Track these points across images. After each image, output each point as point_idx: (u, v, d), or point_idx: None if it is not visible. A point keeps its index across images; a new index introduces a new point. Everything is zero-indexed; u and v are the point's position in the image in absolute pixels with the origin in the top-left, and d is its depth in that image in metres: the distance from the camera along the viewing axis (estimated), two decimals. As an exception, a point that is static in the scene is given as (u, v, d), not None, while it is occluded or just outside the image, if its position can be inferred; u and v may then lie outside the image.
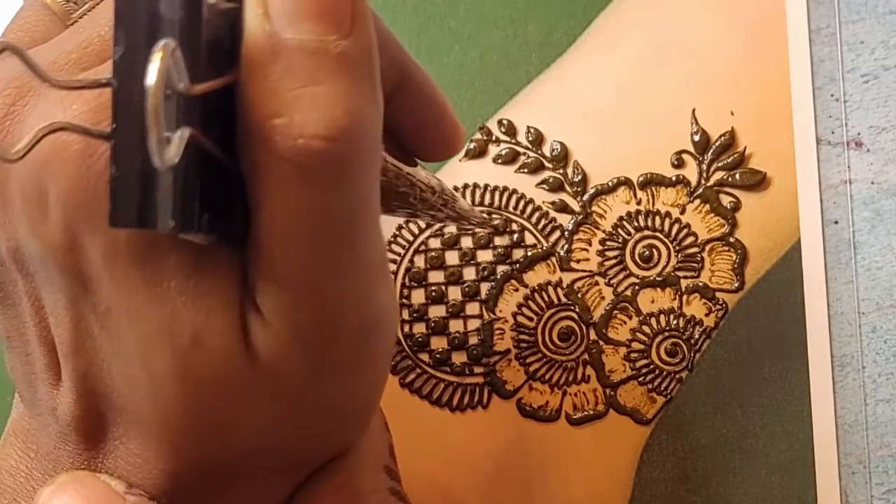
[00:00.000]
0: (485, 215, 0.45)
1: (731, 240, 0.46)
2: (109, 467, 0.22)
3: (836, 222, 0.46)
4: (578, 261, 0.47)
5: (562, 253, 0.47)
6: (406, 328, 0.47)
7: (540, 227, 0.47)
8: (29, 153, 0.18)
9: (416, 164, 0.29)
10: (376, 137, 0.20)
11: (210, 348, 0.20)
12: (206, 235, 0.19)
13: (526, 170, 0.47)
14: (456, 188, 0.47)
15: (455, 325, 0.47)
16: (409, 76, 0.26)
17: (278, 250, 0.19)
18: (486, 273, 0.47)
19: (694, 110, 0.46)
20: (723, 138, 0.46)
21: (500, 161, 0.47)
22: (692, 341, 0.45)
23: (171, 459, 0.21)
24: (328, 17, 0.19)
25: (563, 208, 0.47)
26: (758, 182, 0.46)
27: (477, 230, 0.46)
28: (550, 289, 0.46)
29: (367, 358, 0.23)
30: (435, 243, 0.47)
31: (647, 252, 0.46)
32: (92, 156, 0.19)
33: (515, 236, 0.47)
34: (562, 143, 0.47)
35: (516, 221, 0.47)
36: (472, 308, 0.47)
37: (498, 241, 0.47)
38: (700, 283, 0.46)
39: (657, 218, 0.46)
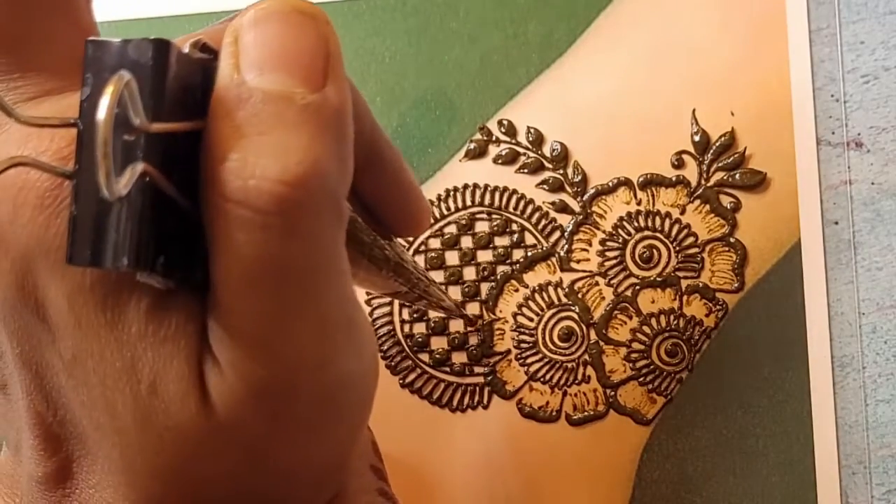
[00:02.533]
0: (461, 310, 0.45)
1: (732, 240, 0.46)
2: None
3: (837, 223, 0.46)
4: (578, 261, 0.47)
5: (562, 253, 0.47)
6: (406, 328, 0.47)
7: (540, 227, 0.47)
8: None
9: (392, 239, 0.30)
10: (337, 193, 0.19)
11: (167, 396, 0.20)
12: (163, 279, 0.19)
13: (526, 170, 0.47)
14: (456, 188, 0.47)
15: (455, 326, 0.47)
16: (379, 153, 0.26)
17: (231, 299, 0.19)
18: (486, 273, 0.47)
19: (694, 111, 0.46)
20: (723, 139, 0.46)
21: (500, 161, 0.47)
22: (692, 342, 0.45)
23: None
24: (298, 70, 0.19)
25: (564, 208, 0.47)
26: (758, 182, 0.46)
27: (451, 316, 0.46)
28: (551, 289, 0.46)
29: (334, 419, 0.22)
30: (435, 243, 0.47)
31: (647, 252, 0.46)
32: (57, 196, 0.19)
33: (515, 236, 0.47)
34: (562, 144, 0.47)
35: (516, 222, 0.47)
36: (473, 308, 0.47)
37: (498, 241, 0.47)
38: (700, 284, 0.46)
39: (657, 218, 0.46)
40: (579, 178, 0.47)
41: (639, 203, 0.46)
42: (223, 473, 0.21)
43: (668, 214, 0.46)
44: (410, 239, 0.47)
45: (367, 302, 0.47)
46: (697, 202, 0.46)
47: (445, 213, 0.47)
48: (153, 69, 0.18)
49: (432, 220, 0.47)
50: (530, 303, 0.46)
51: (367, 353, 0.23)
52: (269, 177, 0.18)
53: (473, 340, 0.47)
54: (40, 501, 0.22)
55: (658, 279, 0.46)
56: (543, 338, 0.46)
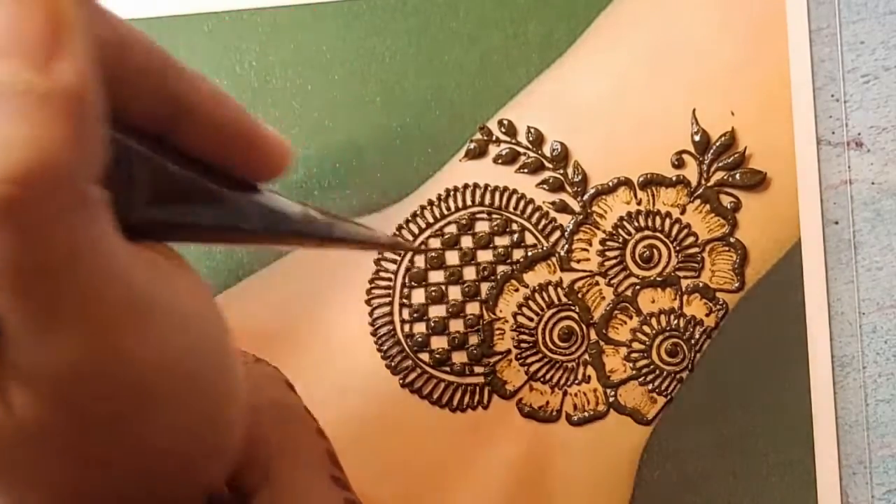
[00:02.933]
0: (393, 239, 0.41)
1: (732, 240, 0.46)
2: None
3: (837, 222, 0.46)
4: (579, 261, 0.47)
5: (562, 253, 0.47)
6: (406, 328, 0.47)
7: (540, 227, 0.47)
8: None
9: (257, 189, 0.27)
10: (76, 179, 0.18)
11: None
12: None
13: (526, 170, 0.47)
14: (456, 188, 0.47)
15: (455, 325, 0.47)
16: (188, 103, 0.24)
17: None
18: (486, 273, 0.47)
19: (694, 110, 0.46)
20: (723, 138, 0.46)
21: (500, 161, 0.47)
22: (693, 341, 0.45)
23: None
24: (17, 52, 0.17)
25: (564, 208, 0.47)
26: (758, 182, 0.46)
27: (380, 249, 0.43)
28: (551, 289, 0.46)
29: (156, 409, 0.21)
30: (435, 243, 0.47)
31: (647, 252, 0.46)
32: None
33: (515, 236, 0.47)
34: (562, 144, 0.47)
35: (516, 221, 0.47)
36: (473, 308, 0.47)
37: (498, 241, 0.47)
38: (700, 284, 0.46)
39: (657, 218, 0.46)
40: (579, 177, 0.47)
41: (639, 203, 0.46)
42: (47, 469, 0.21)
43: (668, 214, 0.46)
44: (411, 239, 0.47)
45: (367, 302, 0.47)
46: (698, 202, 0.46)
47: (445, 212, 0.47)
48: None
49: (432, 220, 0.47)
50: (530, 302, 0.46)
51: (188, 333, 0.21)
52: None
53: (474, 340, 0.47)
54: None
55: (658, 279, 0.46)
56: (543, 337, 0.46)
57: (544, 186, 0.47)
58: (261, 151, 0.25)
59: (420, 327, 0.47)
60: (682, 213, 0.46)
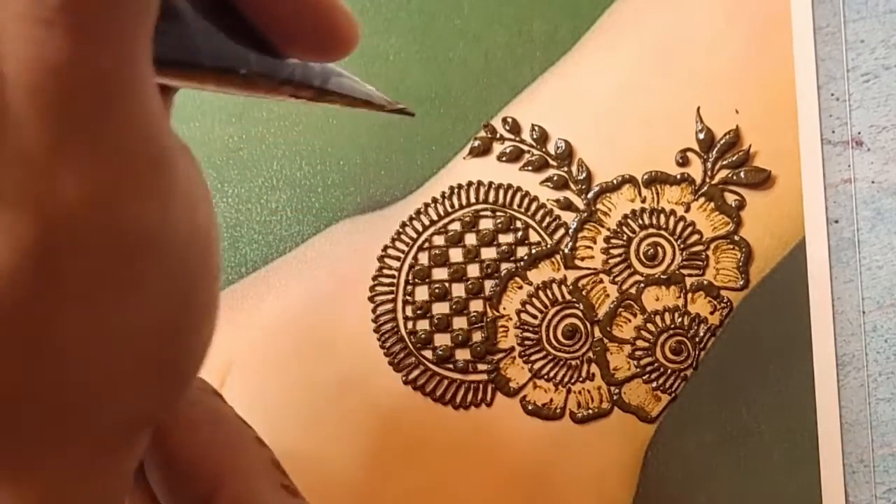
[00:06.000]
0: (389, 102, 0.40)
1: (736, 238, 0.46)
2: None
3: (837, 221, 0.46)
4: (583, 258, 0.46)
5: (566, 250, 0.47)
6: (409, 325, 0.47)
7: (544, 224, 0.47)
8: None
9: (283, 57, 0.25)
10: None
11: None
12: None
13: (530, 167, 0.47)
14: (460, 186, 0.47)
15: (459, 323, 0.46)
16: None
17: (7, 113, 0.16)
18: (489, 270, 0.47)
19: (699, 108, 0.46)
20: (727, 136, 0.46)
21: (504, 159, 0.47)
22: (697, 339, 0.46)
23: None
24: None
25: (568, 206, 0.47)
26: (762, 180, 0.46)
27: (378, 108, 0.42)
28: (555, 286, 0.46)
29: (134, 288, 0.18)
30: (439, 240, 0.47)
31: (651, 250, 0.46)
32: None
33: (520, 234, 0.47)
34: (566, 141, 0.47)
35: (521, 219, 0.47)
36: (476, 305, 0.47)
37: (502, 238, 0.47)
38: (705, 281, 0.46)
39: (662, 216, 0.46)
40: (584, 175, 0.47)
41: (643, 200, 0.46)
42: (11, 353, 0.17)
43: (672, 212, 0.46)
44: (415, 236, 0.47)
45: (371, 299, 0.47)
46: (702, 200, 0.46)
47: (449, 210, 0.47)
48: None
49: (436, 217, 0.47)
50: (534, 300, 0.46)
51: (184, 211, 0.18)
52: None
53: (477, 337, 0.46)
54: None
55: (662, 277, 0.46)
56: (547, 335, 0.46)
57: (548, 184, 0.47)
58: (335, 21, 0.23)
59: (423, 324, 0.47)
60: (687, 210, 0.46)
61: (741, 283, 0.46)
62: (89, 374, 0.18)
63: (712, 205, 0.46)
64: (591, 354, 0.46)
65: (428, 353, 0.47)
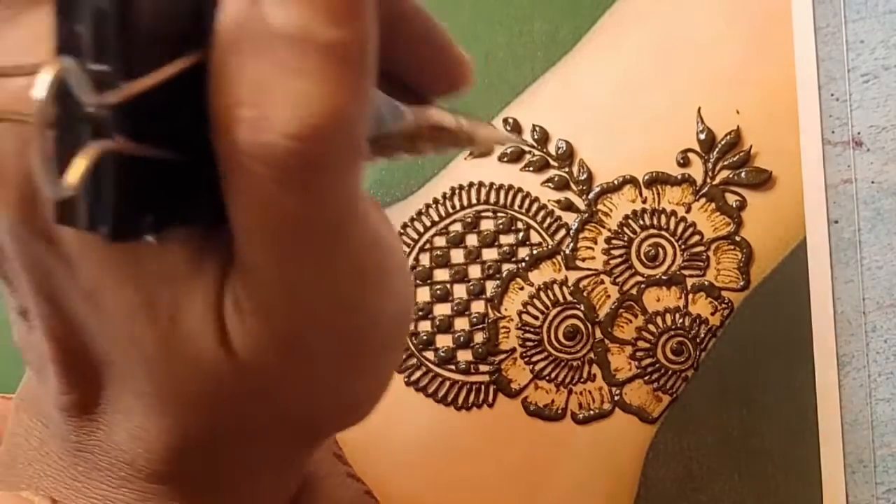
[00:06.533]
0: (513, 137, 0.44)
1: (737, 238, 0.46)
2: (113, 439, 0.22)
3: (837, 221, 0.46)
4: (584, 259, 0.47)
5: (567, 251, 0.47)
6: (411, 326, 0.47)
7: (545, 225, 0.47)
8: None
9: (428, 103, 0.27)
10: (358, 138, 0.18)
11: (188, 330, 0.19)
12: (156, 236, 0.18)
13: (531, 168, 0.47)
14: (461, 186, 0.47)
15: (460, 324, 0.46)
16: (402, 15, 0.23)
17: (249, 249, 0.18)
18: (491, 271, 0.47)
19: (699, 109, 0.46)
20: (728, 137, 0.46)
21: (505, 159, 0.47)
22: (698, 340, 0.46)
23: (172, 432, 0.21)
24: (320, 3, 0.16)
25: (569, 207, 0.47)
26: (763, 181, 0.46)
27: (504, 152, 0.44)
28: (556, 287, 0.46)
29: (366, 361, 0.22)
30: (440, 241, 0.47)
31: (652, 251, 0.46)
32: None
33: (521, 234, 0.47)
34: (567, 142, 0.47)
35: (522, 220, 0.47)
36: (478, 306, 0.47)
37: (503, 239, 0.47)
38: (706, 282, 0.46)
39: (663, 216, 0.46)
40: (585, 176, 0.47)
41: (644, 201, 0.46)
42: (247, 409, 0.21)
43: (673, 213, 0.46)
44: (416, 237, 0.47)
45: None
46: (703, 200, 0.46)
47: (451, 210, 0.47)
48: (116, 17, 0.16)
49: (437, 218, 0.47)
50: (535, 301, 0.46)
51: (401, 294, 0.22)
52: (287, 132, 0.16)
53: (479, 339, 0.46)
54: (65, 426, 0.22)
55: (663, 277, 0.46)
56: (549, 336, 0.46)
57: (549, 185, 0.47)
58: (453, 59, 0.24)
59: (425, 325, 0.47)
60: (688, 211, 0.46)
61: (742, 283, 0.46)
62: (320, 413, 0.23)
63: (713, 205, 0.46)
64: (592, 355, 0.46)
65: (430, 355, 0.47)
